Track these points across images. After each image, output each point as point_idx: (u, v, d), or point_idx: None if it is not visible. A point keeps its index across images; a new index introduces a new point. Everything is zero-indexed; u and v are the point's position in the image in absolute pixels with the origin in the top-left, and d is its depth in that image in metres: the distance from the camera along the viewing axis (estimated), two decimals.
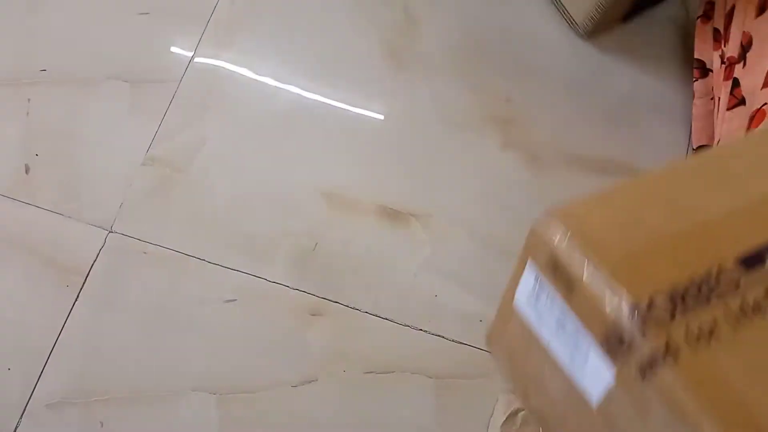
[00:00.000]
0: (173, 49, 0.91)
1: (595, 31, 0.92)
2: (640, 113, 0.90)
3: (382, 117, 0.89)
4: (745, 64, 0.73)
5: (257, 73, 0.90)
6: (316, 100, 0.89)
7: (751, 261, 0.25)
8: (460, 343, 0.78)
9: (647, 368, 0.23)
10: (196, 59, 0.90)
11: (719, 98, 0.78)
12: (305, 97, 0.89)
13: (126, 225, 0.82)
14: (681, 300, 0.23)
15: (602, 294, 0.24)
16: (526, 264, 0.30)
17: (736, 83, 0.74)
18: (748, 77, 0.72)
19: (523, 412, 0.71)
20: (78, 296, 0.79)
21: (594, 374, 0.28)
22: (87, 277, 0.80)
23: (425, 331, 0.78)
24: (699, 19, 0.88)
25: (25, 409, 0.75)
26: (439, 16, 0.93)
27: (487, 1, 0.94)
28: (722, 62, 0.80)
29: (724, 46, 0.79)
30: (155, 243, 0.81)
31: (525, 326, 0.31)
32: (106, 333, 0.78)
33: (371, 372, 0.77)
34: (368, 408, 0.76)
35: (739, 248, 0.25)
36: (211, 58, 0.91)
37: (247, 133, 0.87)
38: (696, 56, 0.88)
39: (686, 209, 0.27)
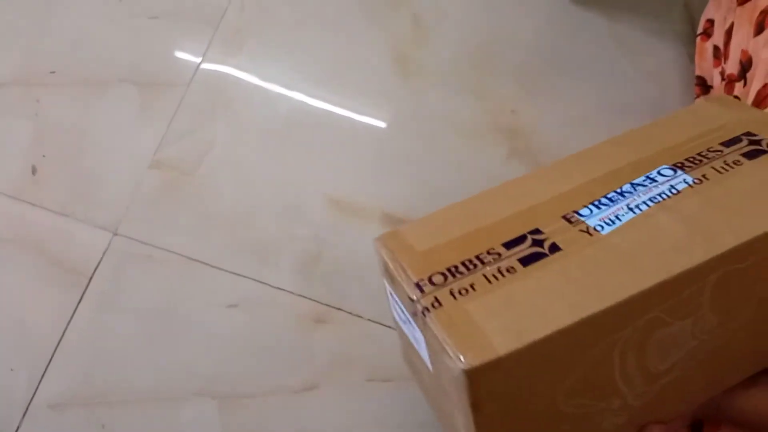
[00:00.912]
0: (182, 53, 0.92)
1: None
2: None
3: (388, 124, 0.89)
4: (745, 83, 0.75)
5: (265, 79, 0.91)
6: (323, 107, 0.89)
7: (513, 243, 0.34)
8: None
9: (422, 319, 0.32)
10: (205, 64, 0.91)
11: None
12: (312, 104, 0.90)
13: (131, 228, 0.82)
14: (452, 274, 0.33)
15: (405, 280, 0.34)
16: None
17: None
18: (749, 97, 0.73)
19: None
20: (82, 298, 0.79)
21: (406, 343, 0.38)
22: (91, 279, 0.80)
23: None
24: (699, 37, 0.89)
25: (27, 410, 0.75)
26: (447, 24, 0.94)
27: (495, 11, 0.95)
28: (722, 79, 0.81)
29: (724, 62, 0.81)
30: (160, 246, 0.82)
31: (401, 329, 0.40)
32: (110, 335, 0.78)
33: (373, 380, 0.77)
34: (370, 415, 0.76)
35: (507, 237, 0.35)
36: (220, 63, 0.91)
37: (254, 138, 0.88)
38: (697, 73, 0.89)
39: (482, 216, 0.36)
